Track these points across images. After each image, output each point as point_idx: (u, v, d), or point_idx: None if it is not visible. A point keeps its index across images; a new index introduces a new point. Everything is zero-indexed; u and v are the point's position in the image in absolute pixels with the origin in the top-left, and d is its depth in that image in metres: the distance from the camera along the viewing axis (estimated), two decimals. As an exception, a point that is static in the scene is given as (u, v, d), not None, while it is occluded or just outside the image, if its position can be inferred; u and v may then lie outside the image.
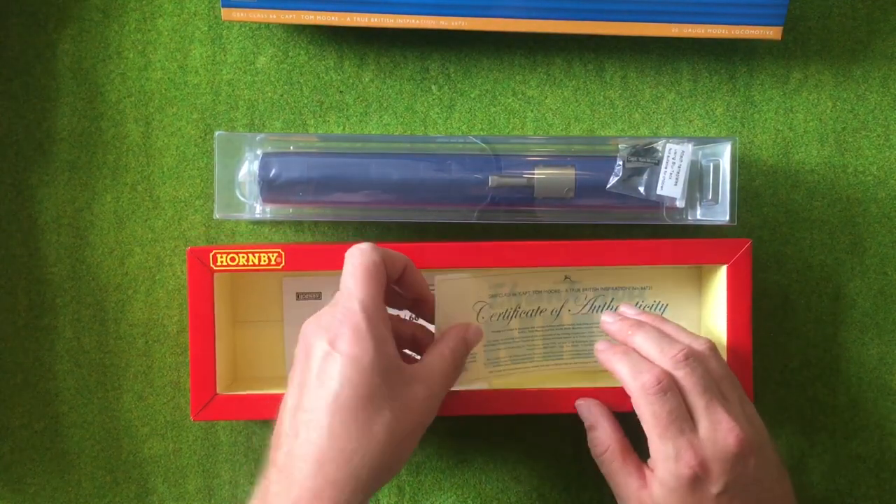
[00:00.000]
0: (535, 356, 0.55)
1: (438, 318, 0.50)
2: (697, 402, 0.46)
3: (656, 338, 0.49)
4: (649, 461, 0.47)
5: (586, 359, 0.55)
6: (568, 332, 0.55)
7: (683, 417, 0.46)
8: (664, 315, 0.55)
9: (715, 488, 0.45)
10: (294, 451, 0.42)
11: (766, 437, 0.48)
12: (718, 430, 0.45)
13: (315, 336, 0.44)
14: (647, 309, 0.55)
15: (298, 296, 0.56)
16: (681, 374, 0.46)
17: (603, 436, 0.50)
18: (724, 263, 0.52)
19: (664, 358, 0.47)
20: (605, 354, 0.50)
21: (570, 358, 0.55)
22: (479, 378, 0.53)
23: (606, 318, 0.52)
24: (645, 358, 0.48)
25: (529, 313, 0.54)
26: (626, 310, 0.53)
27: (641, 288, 0.55)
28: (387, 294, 0.46)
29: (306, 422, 0.42)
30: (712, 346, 0.49)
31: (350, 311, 0.43)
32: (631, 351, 0.49)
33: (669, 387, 0.46)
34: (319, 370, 0.42)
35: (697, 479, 0.45)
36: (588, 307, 0.55)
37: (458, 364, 0.47)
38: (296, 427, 0.42)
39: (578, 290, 0.55)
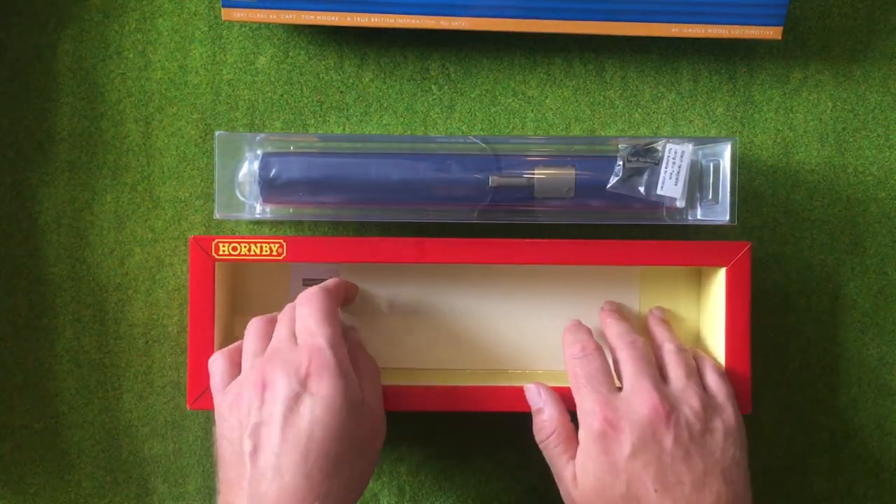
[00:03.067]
0: None
1: None
2: (627, 371, 0.48)
3: (619, 321, 0.52)
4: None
5: None
6: None
7: (603, 381, 0.47)
8: None
9: (626, 449, 0.45)
10: (264, 493, 0.41)
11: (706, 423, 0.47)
12: (636, 395, 0.46)
13: (277, 373, 0.43)
14: None
15: (305, 282, 0.56)
16: (622, 352, 0.49)
17: (549, 420, 0.49)
18: (723, 266, 0.52)
19: (616, 338, 0.50)
20: (564, 332, 0.52)
21: None
22: None
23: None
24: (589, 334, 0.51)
25: None
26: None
27: None
28: None
29: (275, 465, 0.41)
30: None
31: (319, 350, 0.44)
32: (581, 327, 0.51)
33: (593, 352, 0.48)
34: (287, 410, 0.42)
35: (607, 437, 0.45)
36: None
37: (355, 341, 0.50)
38: (261, 469, 0.42)
39: None
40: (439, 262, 0.52)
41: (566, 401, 0.50)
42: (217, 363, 0.49)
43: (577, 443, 0.48)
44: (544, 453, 0.49)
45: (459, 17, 0.53)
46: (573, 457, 0.47)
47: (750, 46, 0.57)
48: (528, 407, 0.51)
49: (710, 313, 0.55)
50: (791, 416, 0.58)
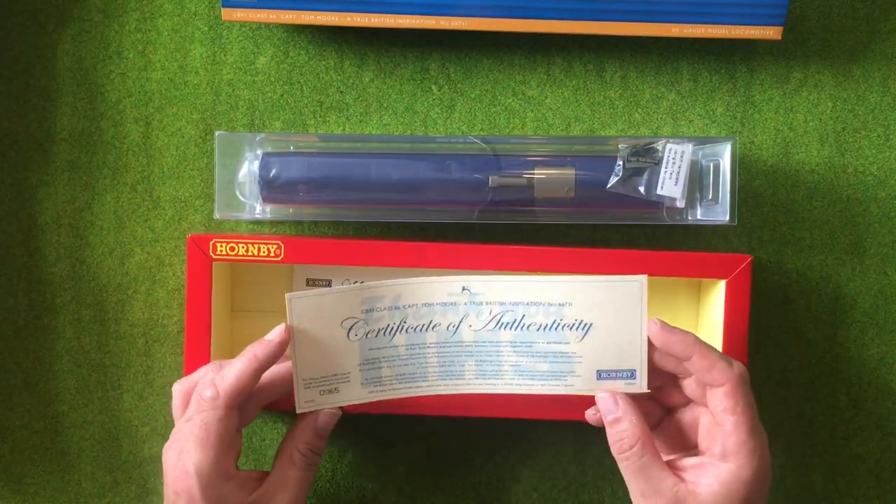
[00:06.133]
0: (429, 375, 0.48)
1: (298, 346, 0.46)
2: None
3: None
4: (716, 453, 0.45)
5: (493, 380, 0.48)
6: (469, 349, 0.47)
7: None
8: (589, 336, 0.47)
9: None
10: None
11: None
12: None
13: (165, 486, 0.46)
14: (567, 329, 0.46)
15: (308, 282, 0.56)
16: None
17: (632, 429, 0.46)
18: (723, 278, 0.52)
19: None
20: (684, 335, 0.47)
21: (473, 378, 0.48)
22: (354, 399, 0.48)
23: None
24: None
25: (419, 328, 0.46)
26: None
27: (559, 304, 0.46)
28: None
29: None
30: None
31: (186, 475, 0.45)
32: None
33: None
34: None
35: (767, 480, 0.46)
36: (494, 323, 0.46)
37: (311, 463, 0.48)
38: None
39: (480, 303, 0.46)
40: (439, 268, 0.51)
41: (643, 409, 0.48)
42: (175, 394, 0.49)
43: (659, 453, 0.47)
44: (626, 463, 0.46)
45: (459, 17, 0.53)
46: (667, 468, 0.46)
47: (750, 46, 0.57)
48: (526, 413, 0.51)
49: (708, 324, 0.54)
50: (791, 416, 0.58)
